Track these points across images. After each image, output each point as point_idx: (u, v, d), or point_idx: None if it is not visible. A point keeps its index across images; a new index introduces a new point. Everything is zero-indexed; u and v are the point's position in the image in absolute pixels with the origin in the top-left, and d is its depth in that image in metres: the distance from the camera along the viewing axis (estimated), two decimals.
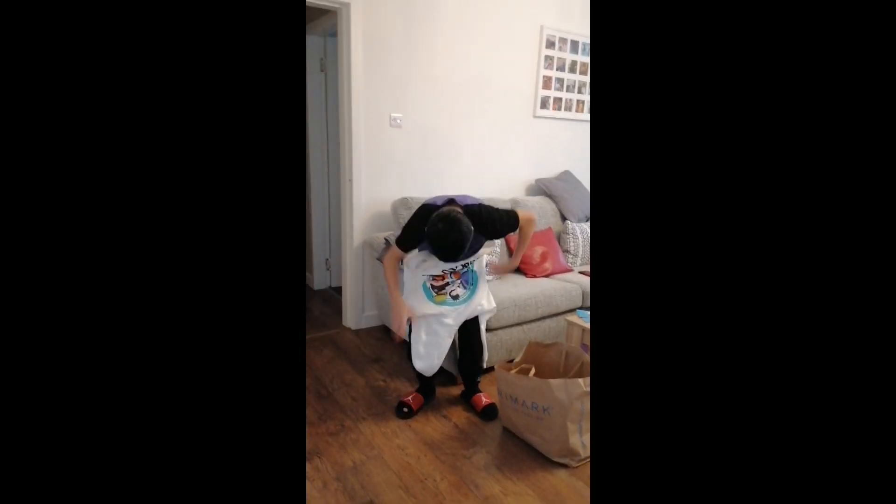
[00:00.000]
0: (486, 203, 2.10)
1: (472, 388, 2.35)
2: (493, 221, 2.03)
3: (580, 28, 3.66)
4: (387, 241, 2.80)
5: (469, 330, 2.24)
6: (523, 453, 2.00)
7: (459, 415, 2.27)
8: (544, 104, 3.62)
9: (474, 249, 2.12)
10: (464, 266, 2.15)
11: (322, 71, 3.60)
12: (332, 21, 3.12)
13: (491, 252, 2.26)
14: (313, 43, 3.49)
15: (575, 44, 3.66)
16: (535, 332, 2.72)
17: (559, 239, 3.40)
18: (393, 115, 3.00)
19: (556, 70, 3.62)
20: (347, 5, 2.73)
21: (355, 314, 3.18)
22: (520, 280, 2.89)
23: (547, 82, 3.59)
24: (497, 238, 2.14)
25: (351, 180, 2.96)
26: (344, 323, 3.27)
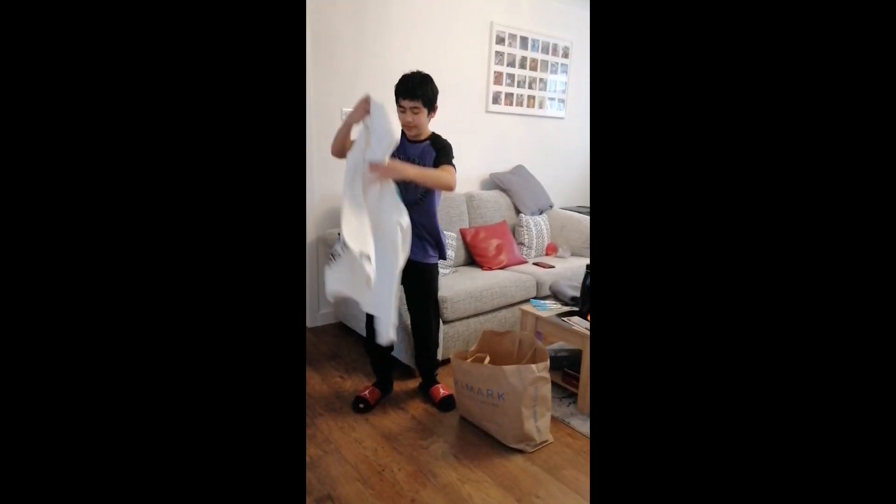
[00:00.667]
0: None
1: (429, 381, 2.35)
2: (445, 145, 2.08)
3: (529, 24, 3.72)
4: (340, 236, 2.77)
5: (422, 324, 2.25)
6: (480, 441, 2.01)
7: (417, 407, 2.27)
8: (496, 99, 3.66)
9: (424, 156, 2.06)
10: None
11: None
12: None
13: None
14: None
15: (524, 40, 3.72)
16: (492, 322, 2.75)
17: (514, 231, 3.44)
18: (344, 110, 2.97)
19: (507, 66, 3.67)
20: None
21: (310, 312, 3.14)
22: (476, 272, 2.92)
23: (498, 78, 3.63)
24: (437, 162, 2.03)
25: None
26: None
